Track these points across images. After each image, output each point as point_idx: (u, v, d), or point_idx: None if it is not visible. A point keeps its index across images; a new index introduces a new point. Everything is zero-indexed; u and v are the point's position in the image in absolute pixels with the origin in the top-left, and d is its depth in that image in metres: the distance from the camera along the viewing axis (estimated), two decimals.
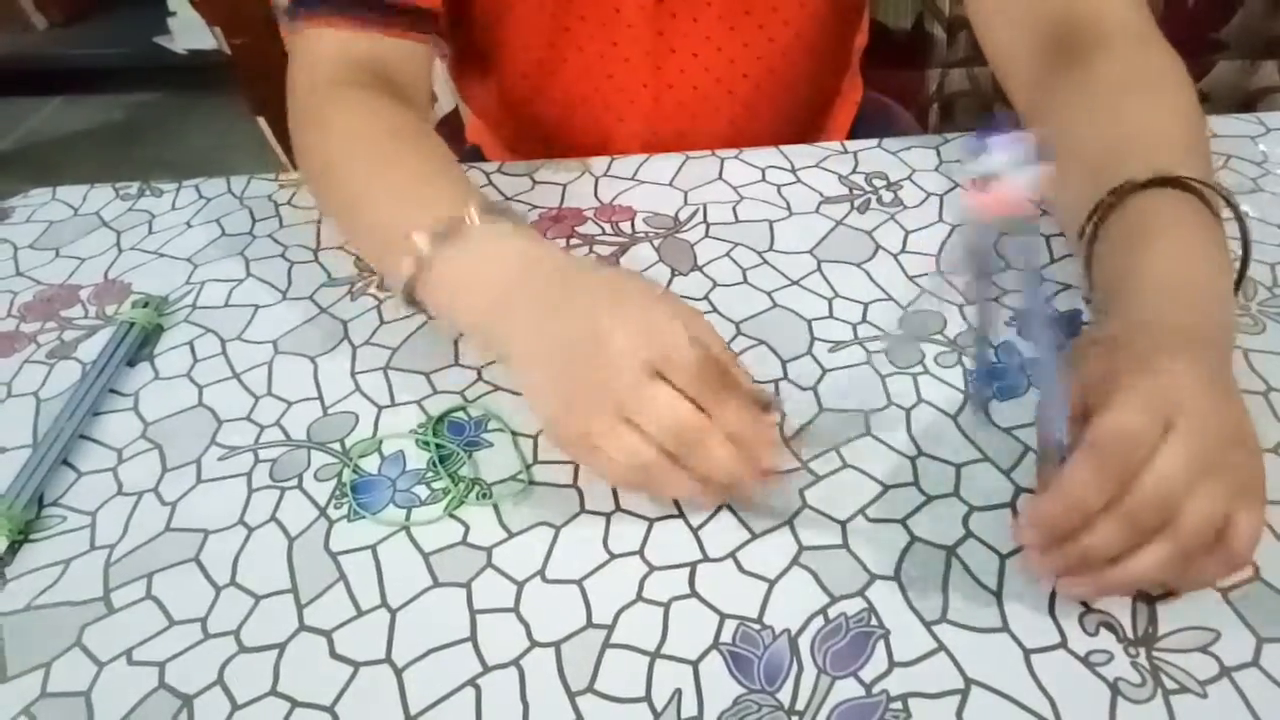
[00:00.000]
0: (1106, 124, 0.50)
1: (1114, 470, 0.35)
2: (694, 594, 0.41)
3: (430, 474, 0.47)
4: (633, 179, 0.66)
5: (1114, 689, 0.37)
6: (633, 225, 0.62)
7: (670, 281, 0.57)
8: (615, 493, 0.46)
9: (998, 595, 0.40)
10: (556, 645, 0.40)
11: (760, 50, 0.71)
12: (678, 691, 0.38)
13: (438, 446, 0.48)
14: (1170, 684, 0.37)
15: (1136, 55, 0.53)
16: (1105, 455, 0.35)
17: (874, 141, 0.68)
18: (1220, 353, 0.40)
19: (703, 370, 0.41)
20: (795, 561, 0.42)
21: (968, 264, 0.34)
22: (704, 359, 0.41)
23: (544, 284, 0.46)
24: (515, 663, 0.39)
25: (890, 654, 0.39)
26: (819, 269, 0.57)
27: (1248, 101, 1.06)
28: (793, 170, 0.66)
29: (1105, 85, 0.51)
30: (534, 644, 0.40)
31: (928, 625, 0.39)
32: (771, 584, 0.41)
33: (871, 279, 0.56)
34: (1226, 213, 0.45)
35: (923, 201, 0.62)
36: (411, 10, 0.63)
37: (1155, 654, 0.38)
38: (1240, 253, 0.46)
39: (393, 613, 0.42)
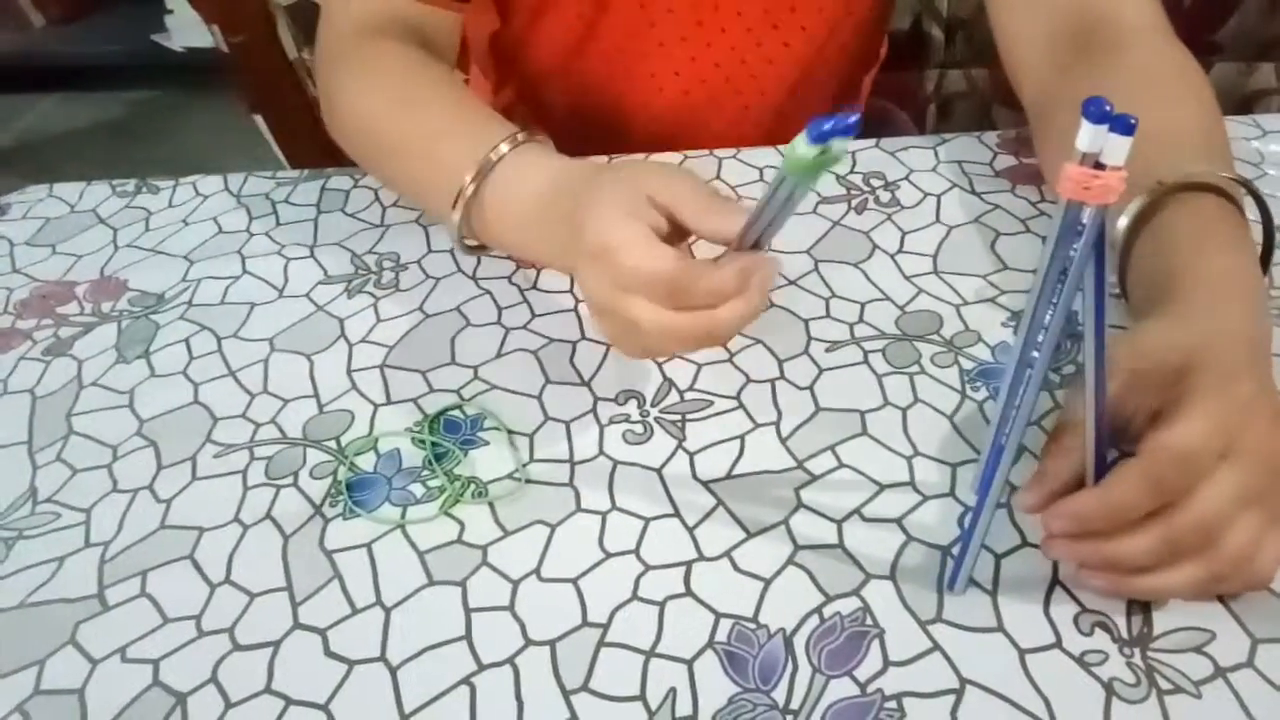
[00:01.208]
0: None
1: (1164, 485, 0.35)
2: (689, 593, 0.41)
3: (426, 472, 0.47)
4: None
5: (1109, 689, 0.37)
6: None
7: None
8: (611, 492, 0.46)
9: (993, 595, 0.40)
10: (551, 644, 0.40)
11: (799, 50, 0.72)
12: (672, 690, 0.38)
13: (434, 444, 0.48)
14: (1165, 684, 0.37)
15: (1154, 52, 0.53)
16: (1159, 469, 0.35)
17: (871, 141, 0.68)
18: (1270, 362, 0.40)
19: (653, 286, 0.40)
20: (790, 561, 0.42)
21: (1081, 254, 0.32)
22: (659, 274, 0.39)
23: (565, 193, 0.47)
24: (510, 661, 0.39)
25: (885, 653, 0.39)
26: (816, 269, 0.57)
27: (1244, 103, 1.06)
28: None
29: (1125, 83, 0.51)
30: (529, 642, 0.40)
31: (923, 625, 0.39)
32: (767, 583, 0.41)
33: (868, 279, 0.56)
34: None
35: (920, 202, 0.62)
36: None
37: (1150, 654, 0.38)
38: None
39: (387, 611, 0.42)
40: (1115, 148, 0.29)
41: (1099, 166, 0.29)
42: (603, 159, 0.64)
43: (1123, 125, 0.28)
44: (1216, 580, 0.37)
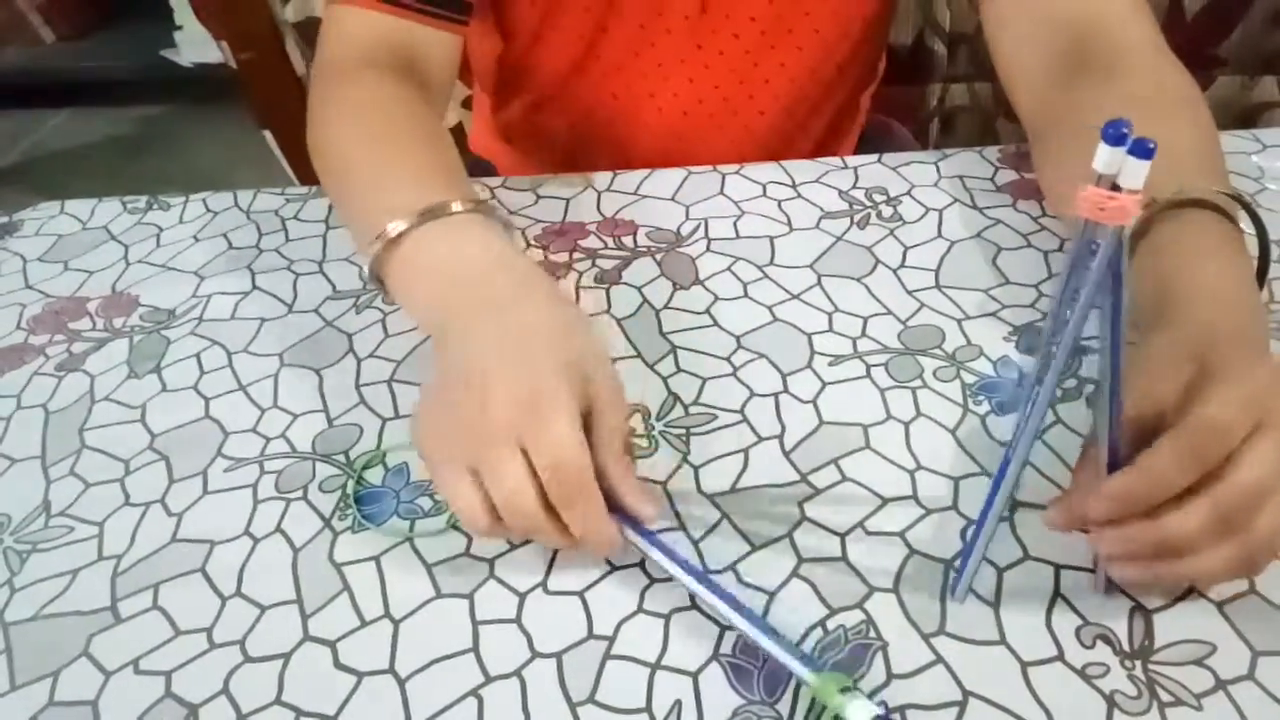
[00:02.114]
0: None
1: (1202, 455, 0.35)
2: (694, 606, 0.42)
3: (434, 486, 0.48)
4: (635, 194, 0.67)
5: (1110, 701, 0.37)
6: (635, 239, 0.63)
7: (671, 296, 0.58)
8: None
9: (995, 608, 0.41)
10: (558, 656, 0.40)
11: (796, 71, 0.73)
12: (678, 703, 0.38)
13: None
14: (1166, 697, 0.37)
15: (1151, 70, 0.54)
16: (1195, 442, 0.35)
17: (874, 157, 0.68)
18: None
19: (565, 473, 0.39)
20: (794, 573, 0.43)
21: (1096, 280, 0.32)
22: (570, 465, 0.39)
23: (486, 290, 0.46)
24: (517, 673, 0.40)
25: (888, 666, 0.39)
26: (819, 283, 0.58)
27: (1247, 117, 1.07)
28: (793, 185, 0.66)
29: (1121, 101, 0.52)
30: (536, 655, 0.40)
31: (925, 637, 0.40)
32: (771, 595, 0.42)
33: (871, 293, 0.57)
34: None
35: (922, 217, 0.63)
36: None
37: (1151, 667, 0.38)
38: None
39: (396, 623, 0.42)
40: (1133, 170, 0.29)
41: (1115, 188, 0.30)
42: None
43: (1141, 149, 0.28)
44: (1251, 558, 0.36)
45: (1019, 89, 0.60)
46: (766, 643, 0.38)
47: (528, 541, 0.45)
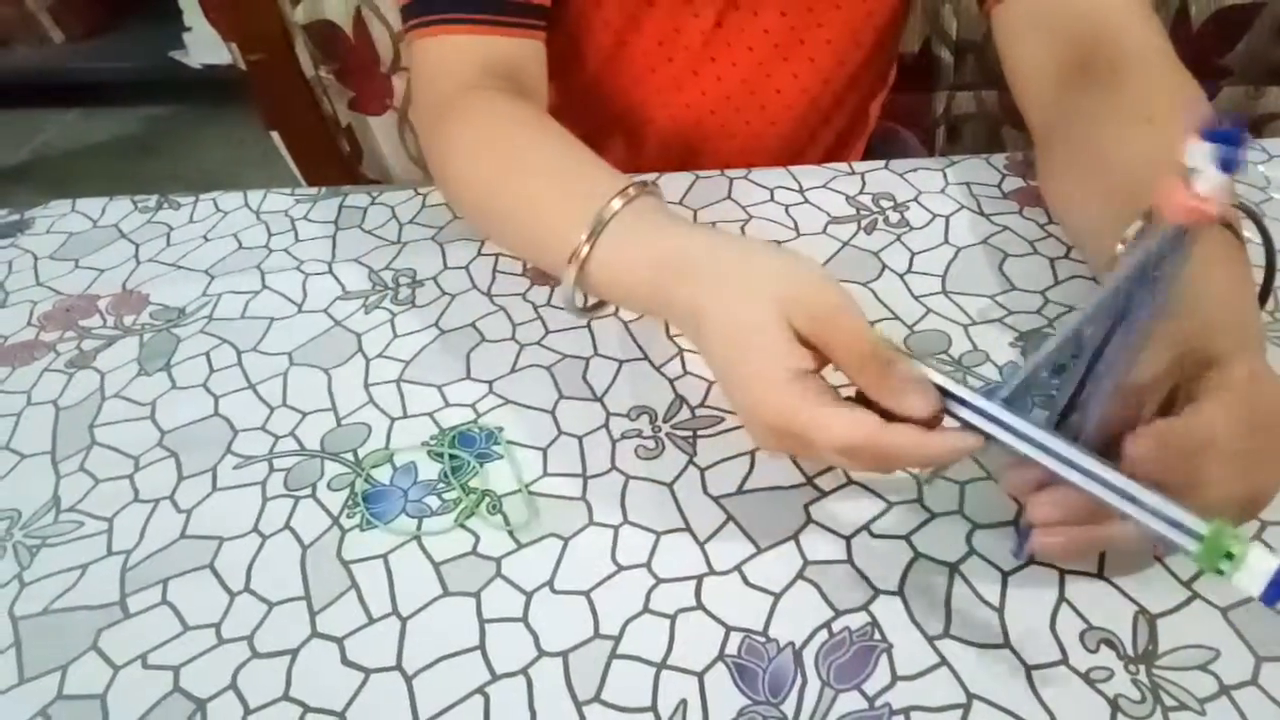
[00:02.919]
0: (1134, 148, 0.50)
1: (1185, 462, 0.35)
2: (700, 606, 0.42)
3: (441, 485, 0.48)
4: None
5: (1114, 706, 0.37)
6: None
7: None
8: (623, 506, 0.46)
9: (1000, 612, 0.41)
10: (564, 655, 0.40)
11: (808, 81, 0.73)
12: (683, 702, 0.39)
13: (451, 457, 0.49)
14: (1170, 701, 0.37)
15: (1159, 79, 0.54)
16: (1183, 448, 0.35)
17: (881, 163, 0.69)
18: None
19: (860, 460, 0.38)
20: (800, 575, 0.43)
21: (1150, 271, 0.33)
22: (858, 453, 0.38)
23: (711, 250, 0.44)
24: (523, 671, 0.40)
25: (893, 668, 0.39)
26: None
27: (1252, 127, 1.07)
28: (800, 191, 0.67)
29: (1130, 109, 0.52)
30: (542, 653, 0.41)
31: (930, 640, 0.40)
32: (777, 597, 0.42)
33: (878, 298, 0.57)
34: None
35: (929, 223, 0.63)
36: (524, 6, 0.63)
37: (1155, 671, 0.38)
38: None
39: (403, 621, 0.42)
40: (1212, 179, 0.29)
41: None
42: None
43: (1229, 156, 0.29)
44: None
45: (1028, 98, 0.61)
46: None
47: (542, 538, 0.45)
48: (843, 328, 0.39)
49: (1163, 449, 0.35)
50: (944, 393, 0.38)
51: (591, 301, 0.53)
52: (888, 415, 0.38)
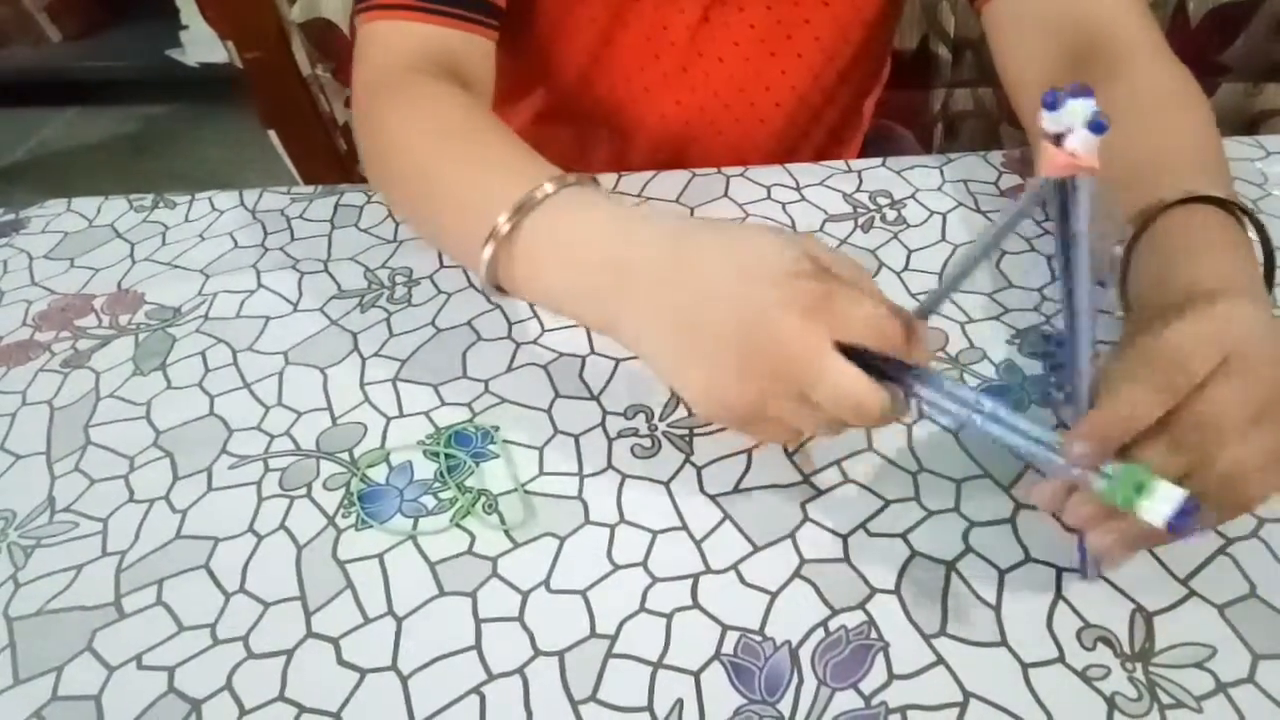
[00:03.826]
0: (1130, 142, 0.49)
1: (1167, 385, 0.35)
2: (696, 605, 0.42)
3: (437, 484, 0.48)
4: (639, 195, 0.67)
5: (1111, 703, 0.37)
6: None
7: None
8: (620, 504, 0.46)
9: (996, 610, 0.41)
10: (560, 654, 0.40)
11: (796, 78, 0.73)
12: (679, 701, 0.38)
13: (446, 457, 0.49)
14: (1166, 699, 0.37)
15: (1154, 74, 0.54)
16: (1158, 369, 0.35)
17: (878, 160, 0.68)
18: (1270, 316, 0.39)
19: (861, 415, 0.38)
20: (796, 574, 0.43)
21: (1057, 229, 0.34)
22: (862, 409, 0.37)
23: (643, 254, 0.42)
24: (519, 671, 0.40)
25: (890, 666, 0.39)
26: None
27: (1251, 124, 1.07)
28: (797, 188, 0.67)
29: (1125, 104, 0.52)
30: (538, 653, 0.41)
31: (927, 638, 0.40)
32: (773, 596, 0.42)
33: None
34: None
35: (926, 220, 0.63)
36: (478, 2, 0.64)
37: (1152, 669, 0.38)
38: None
39: (399, 621, 0.42)
40: (1084, 140, 0.31)
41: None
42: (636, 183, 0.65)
43: (1098, 126, 0.31)
44: (1203, 495, 0.34)
45: (1021, 94, 0.61)
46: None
47: (538, 538, 0.45)
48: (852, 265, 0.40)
49: (1100, 439, 0.35)
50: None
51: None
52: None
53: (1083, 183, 0.33)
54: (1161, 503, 0.33)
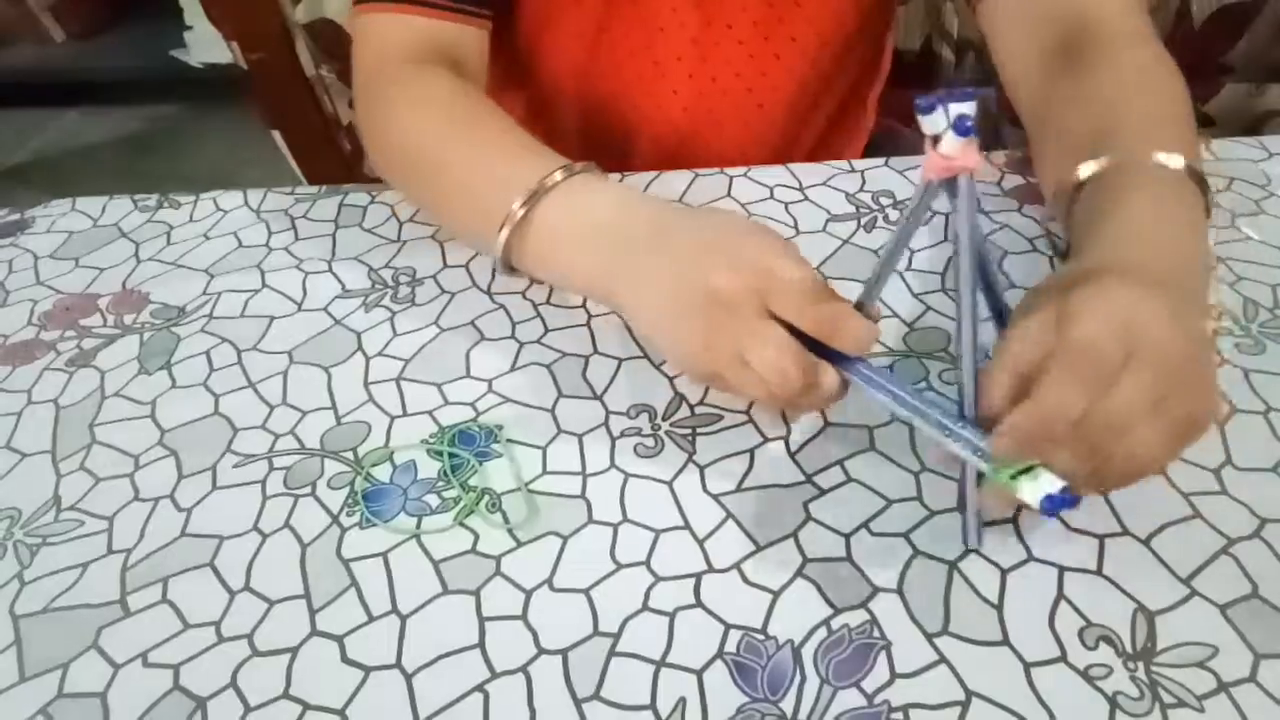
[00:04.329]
0: (1099, 111, 0.52)
1: (1084, 381, 0.36)
2: (699, 604, 0.42)
3: (441, 483, 0.48)
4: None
5: (1112, 702, 0.37)
6: None
7: None
8: (623, 504, 0.46)
9: (998, 609, 0.41)
10: (563, 653, 0.41)
11: (792, 63, 0.73)
12: (682, 700, 0.39)
13: (450, 456, 0.49)
14: (1168, 698, 0.37)
15: (1138, 54, 0.56)
16: (1080, 369, 0.36)
17: (881, 160, 0.69)
18: (1183, 293, 0.40)
19: (813, 293, 0.42)
20: (799, 573, 0.43)
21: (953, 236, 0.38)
22: (811, 282, 0.43)
23: (643, 230, 0.49)
24: (523, 669, 0.40)
25: (892, 665, 0.39)
26: None
27: (1254, 125, 1.06)
28: (800, 189, 0.67)
29: (1109, 83, 0.54)
30: (541, 651, 0.41)
31: (929, 637, 0.40)
32: (776, 595, 0.42)
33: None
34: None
35: (928, 220, 0.63)
36: None
37: (1154, 668, 0.38)
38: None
39: (403, 619, 0.42)
40: (951, 141, 0.34)
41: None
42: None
43: (961, 127, 0.34)
44: (1101, 480, 0.38)
45: (1018, 86, 0.62)
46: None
47: (542, 536, 0.45)
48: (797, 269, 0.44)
49: (1024, 433, 0.36)
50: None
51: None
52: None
53: (963, 183, 0.35)
54: (1042, 487, 0.36)
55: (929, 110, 0.34)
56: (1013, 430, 0.36)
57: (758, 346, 0.42)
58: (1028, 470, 0.36)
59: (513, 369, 0.54)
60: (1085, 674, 0.38)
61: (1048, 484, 0.36)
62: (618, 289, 0.49)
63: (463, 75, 0.63)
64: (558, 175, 0.52)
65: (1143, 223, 0.44)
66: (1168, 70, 0.54)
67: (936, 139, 0.35)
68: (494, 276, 0.61)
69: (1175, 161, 0.47)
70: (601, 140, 0.79)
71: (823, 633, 0.40)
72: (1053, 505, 0.35)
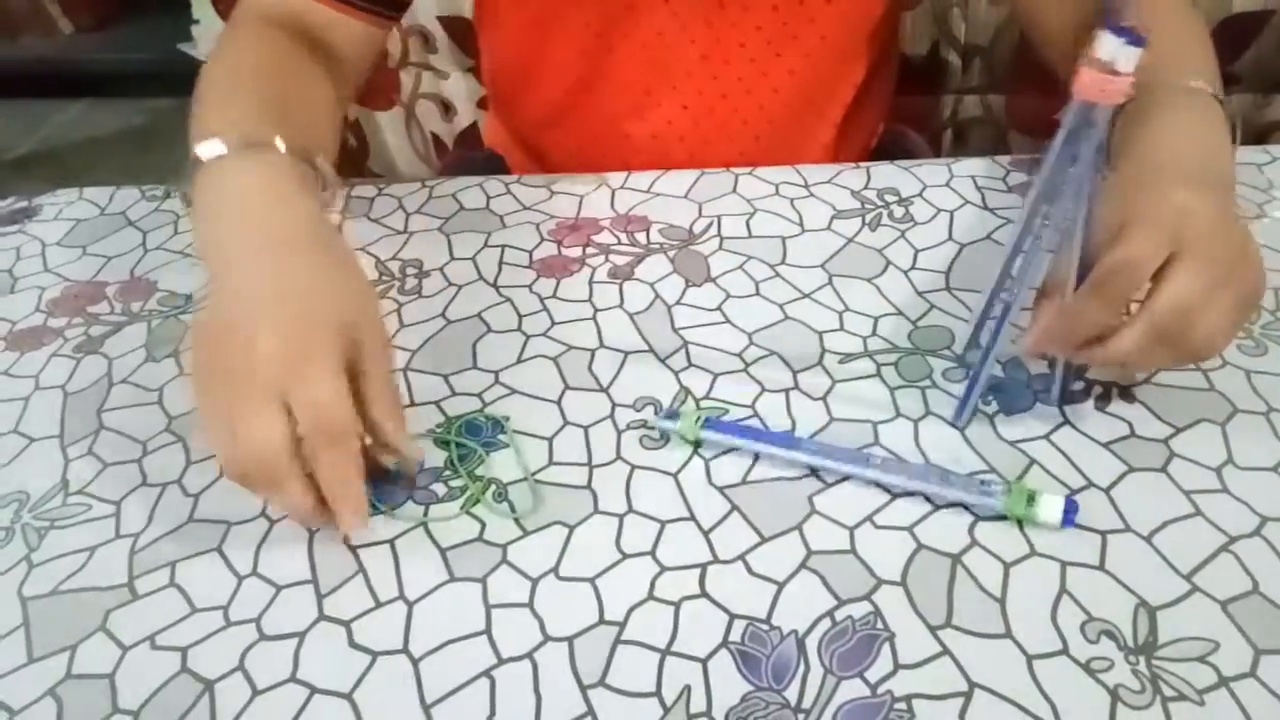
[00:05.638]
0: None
1: (1114, 293, 0.42)
2: (704, 594, 0.42)
3: (448, 472, 0.48)
4: (648, 192, 0.68)
5: (1114, 695, 0.38)
6: (648, 236, 0.63)
7: (684, 292, 0.59)
8: (628, 495, 0.47)
9: (1001, 602, 0.41)
10: (569, 640, 0.41)
11: (804, 78, 0.73)
12: (687, 688, 0.39)
13: (457, 445, 0.50)
14: (1169, 692, 0.38)
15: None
16: (1106, 281, 0.42)
17: (885, 160, 0.69)
18: (1224, 193, 0.47)
19: (327, 422, 0.41)
20: (804, 565, 0.43)
21: (1072, 147, 0.39)
22: (333, 415, 0.42)
23: (274, 233, 0.47)
24: (529, 656, 0.40)
25: (895, 656, 0.39)
26: (830, 283, 0.59)
27: (1260, 135, 1.07)
28: (806, 186, 0.67)
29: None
30: (547, 638, 0.41)
31: (932, 629, 0.40)
32: (780, 586, 0.42)
33: (881, 294, 0.58)
34: None
35: (933, 218, 0.63)
36: None
37: (1155, 662, 0.39)
38: None
39: (410, 605, 0.43)
40: (1128, 56, 0.36)
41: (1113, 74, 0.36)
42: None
43: (1135, 38, 0.35)
44: (1186, 360, 0.45)
45: (1050, 45, 0.66)
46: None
47: (548, 526, 0.45)
48: (379, 365, 0.45)
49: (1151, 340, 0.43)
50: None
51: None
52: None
53: (1101, 111, 0.37)
54: (1052, 509, 0.43)
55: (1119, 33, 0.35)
56: (1046, 339, 0.45)
57: (250, 421, 0.41)
58: (1031, 501, 0.43)
59: (519, 361, 0.55)
60: (1087, 666, 0.39)
61: (1053, 504, 0.43)
62: (224, 271, 0.47)
63: (330, 61, 0.63)
64: (220, 148, 0.50)
65: (1186, 132, 0.49)
66: (1190, 8, 0.58)
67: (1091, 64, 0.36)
68: (500, 270, 0.61)
69: (1207, 87, 0.51)
70: (601, 158, 0.78)
71: (827, 623, 0.41)
72: (1068, 517, 0.43)
